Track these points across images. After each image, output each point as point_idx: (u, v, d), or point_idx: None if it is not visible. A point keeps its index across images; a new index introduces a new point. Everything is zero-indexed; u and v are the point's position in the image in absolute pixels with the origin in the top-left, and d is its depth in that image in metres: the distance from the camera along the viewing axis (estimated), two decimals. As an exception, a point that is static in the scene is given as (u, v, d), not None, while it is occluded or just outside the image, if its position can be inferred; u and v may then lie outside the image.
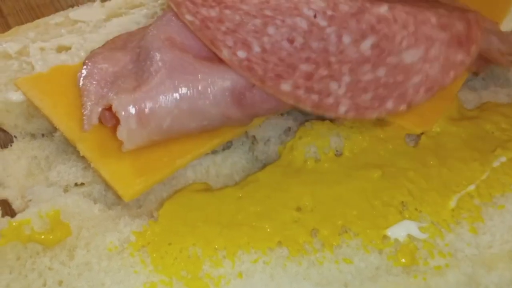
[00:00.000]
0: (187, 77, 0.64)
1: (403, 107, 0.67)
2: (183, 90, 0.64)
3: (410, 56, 0.66)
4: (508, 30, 0.85)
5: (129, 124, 0.62)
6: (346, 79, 0.65)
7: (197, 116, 0.65)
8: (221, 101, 0.65)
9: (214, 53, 0.65)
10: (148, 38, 0.68)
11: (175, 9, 0.67)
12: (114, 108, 0.62)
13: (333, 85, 0.65)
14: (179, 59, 0.65)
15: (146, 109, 0.63)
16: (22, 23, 0.92)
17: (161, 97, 0.63)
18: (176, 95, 0.64)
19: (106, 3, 0.94)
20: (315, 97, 0.65)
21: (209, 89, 0.64)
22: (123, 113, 0.62)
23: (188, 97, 0.64)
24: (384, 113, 0.67)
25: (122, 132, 0.62)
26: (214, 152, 0.73)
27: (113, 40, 0.77)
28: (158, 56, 0.66)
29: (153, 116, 0.63)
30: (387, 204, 0.65)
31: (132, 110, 0.62)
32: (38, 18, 0.93)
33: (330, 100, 0.65)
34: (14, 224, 0.60)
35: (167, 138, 0.66)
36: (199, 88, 0.64)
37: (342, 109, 0.66)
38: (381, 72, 0.66)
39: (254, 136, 0.74)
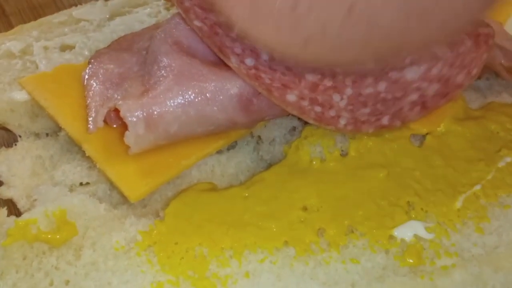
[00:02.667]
0: (195, 83, 0.64)
1: (397, 123, 0.68)
2: (191, 96, 0.64)
3: (412, 73, 0.66)
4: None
5: (137, 129, 0.62)
6: (349, 91, 0.65)
7: (205, 121, 0.66)
8: (229, 107, 0.65)
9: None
10: (156, 42, 0.68)
11: (184, 15, 0.67)
12: (122, 114, 0.62)
13: (336, 97, 0.65)
14: (187, 65, 0.65)
15: (154, 115, 0.63)
16: (25, 23, 0.92)
17: (168, 103, 0.63)
18: (184, 101, 0.64)
19: (110, 2, 0.94)
20: (318, 109, 0.65)
21: (217, 96, 0.64)
22: (131, 118, 0.62)
23: (196, 103, 0.64)
24: (379, 128, 0.68)
25: (129, 138, 0.62)
26: (219, 151, 0.73)
27: (118, 40, 0.77)
28: (165, 61, 0.66)
29: (160, 121, 0.63)
30: (393, 204, 0.65)
31: (140, 115, 0.62)
32: (41, 17, 0.93)
33: (332, 112, 0.65)
34: (20, 223, 0.60)
35: (174, 142, 0.66)
36: (207, 94, 0.64)
37: (342, 122, 0.66)
38: (382, 86, 0.65)
39: (259, 136, 0.74)
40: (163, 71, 0.66)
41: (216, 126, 0.67)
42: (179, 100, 0.64)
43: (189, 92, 0.64)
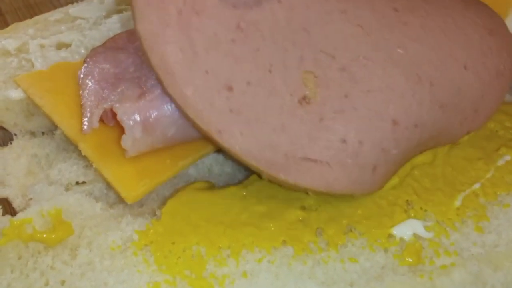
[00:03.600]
0: None
1: None
2: None
3: None
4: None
5: (134, 133, 0.62)
6: None
7: None
8: None
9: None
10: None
11: None
12: (119, 117, 0.62)
13: None
14: None
15: (151, 119, 0.62)
16: (21, 21, 0.91)
17: (166, 107, 0.63)
18: None
19: (106, 0, 0.93)
20: None
21: None
22: (128, 122, 0.61)
23: None
24: None
25: (126, 141, 0.62)
26: (216, 150, 0.72)
27: (113, 38, 0.76)
28: None
29: (158, 125, 0.63)
30: (392, 203, 0.64)
31: (137, 119, 0.62)
32: (37, 15, 0.92)
33: None
34: (15, 222, 0.60)
35: (171, 145, 0.66)
36: None
37: None
38: None
39: (257, 135, 0.73)
40: (160, 75, 0.65)
41: (213, 130, 0.66)
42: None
43: None
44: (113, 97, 0.67)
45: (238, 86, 0.59)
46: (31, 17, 0.92)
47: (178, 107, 0.61)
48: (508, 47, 0.72)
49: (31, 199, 0.65)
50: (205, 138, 0.61)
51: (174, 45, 0.59)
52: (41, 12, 0.98)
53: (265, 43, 0.61)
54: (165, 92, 0.61)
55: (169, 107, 0.63)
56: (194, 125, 0.60)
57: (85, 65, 0.70)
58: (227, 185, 0.68)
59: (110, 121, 0.67)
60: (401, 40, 0.64)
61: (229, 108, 0.58)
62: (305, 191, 0.62)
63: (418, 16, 0.67)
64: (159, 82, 0.61)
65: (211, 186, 0.68)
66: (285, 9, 0.63)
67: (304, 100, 0.60)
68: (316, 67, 0.61)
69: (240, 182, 0.68)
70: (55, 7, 1.07)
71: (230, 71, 0.59)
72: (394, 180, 0.66)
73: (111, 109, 0.65)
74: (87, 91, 0.68)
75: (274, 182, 0.62)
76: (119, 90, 0.67)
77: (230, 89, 0.59)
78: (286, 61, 0.61)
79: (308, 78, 0.61)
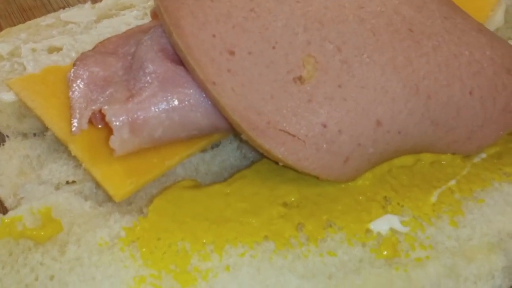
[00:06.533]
0: (179, 89, 0.66)
1: None
2: (175, 102, 0.66)
3: None
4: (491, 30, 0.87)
5: (122, 134, 0.64)
6: None
7: (188, 126, 0.67)
8: (212, 113, 0.67)
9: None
10: (142, 49, 0.70)
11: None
12: (107, 119, 0.64)
13: None
14: (172, 72, 0.67)
15: (138, 120, 0.65)
16: (14, 25, 0.93)
17: (153, 109, 0.65)
18: (168, 107, 0.66)
19: (97, 5, 0.95)
20: None
21: (200, 102, 0.66)
22: (116, 123, 0.64)
23: (179, 109, 0.66)
24: None
25: (114, 142, 0.64)
26: (203, 150, 0.75)
27: (102, 43, 0.78)
28: (151, 67, 0.68)
29: (145, 126, 0.65)
30: (371, 199, 0.66)
31: (125, 120, 0.64)
32: (30, 20, 0.94)
33: None
34: (6, 220, 0.62)
35: (158, 145, 0.68)
36: (191, 101, 0.66)
37: None
38: None
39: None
40: (148, 77, 0.68)
41: (199, 131, 0.69)
42: (164, 105, 0.66)
43: (173, 98, 0.66)
44: (102, 99, 0.69)
45: (240, 53, 0.63)
46: (24, 21, 0.94)
47: (181, 55, 0.65)
48: None
49: (22, 198, 0.67)
50: (200, 86, 0.65)
51: (188, 8, 0.65)
52: (34, 17, 1.00)
53: (276, 24, 0.66)
54: (172, 42, 0.66)
55: (156, 109, 0.66)
56: (192, 72, 0.64)
57: (75, 68, 0.72)
58: (212, 183, 0.71)
59: (99, 122, 0.70)
60: (408, 53, 0.66)
61: (227, 68, 0.63)
62: (276, 160, 0.64)
63: (433, 40, 0.68)
64: (168, 34, 0.66)
65: (197, 185, 0.70)
66: (303, 6, 0.67)
67: (299, 79, 0.64)
68: (319, 54, 0.65)
69: (225, 180, 0.70)
70: (48, 12, 1.09)
71: (235, 39, 0.64)
72: (374, 177, 0.68)
73: (100, 111, 0.67)
74: (76, 93, 0.70)
75: (250, 144, 0.65)
76: (107, 92, 0.70)
77: (232, 53, 0.63)
78: (293, 42, 0.65)
79: (309, 61, 0.64)
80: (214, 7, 0.66)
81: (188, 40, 0.63)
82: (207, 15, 0.65)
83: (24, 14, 1.13)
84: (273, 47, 0.65)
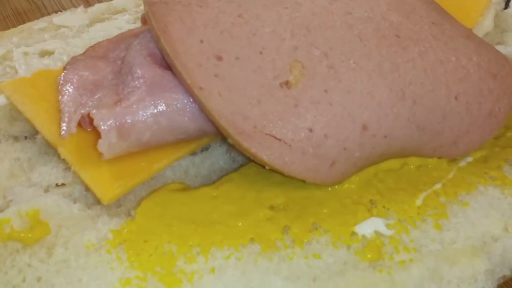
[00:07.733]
0: (166, 94, 0.67)
1: None
2: (163, 107, 0.66)
3: None
4: (480, 35, 0.88)
5: (110, 138, 0.65)
6: None
7: (176, 130, 0.68)
8: (199, 117, 0.67)
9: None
10: (131, 53, 0.71)
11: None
12: (95, 123, 0.64)
13: None
14: (160, 76, 0.68)
15: (126, 124, 0.65)
16: (9, 29, 0.94)
17: (141, 113, 0.66)
18: (156, 111, 0.66)
19: (89, 9, 0.96)
20: None
21: (187, 106, 0.67)
22: (104, 127, 0.64)
23: (167, 113, 0.67)
24: None
25: (102, 146, 0.65)
26: (193, 153, 0.75)
27: (93, 47, 0.79)
28: (139, 72, 0.68)
29: (133, 131, 0.66)
30: (357, 202, 0.67)
31: (113, 124, 0.65)
32: (25, 23, 0.95)
33: None
34: (-6, 223, 0.62)
35: (146, 149, 0.69)
36: (178, 105, 0.67)
37: None
38: None
39: (231, 138, 0.76)
40: (136, 82, 0.68)
41: (187, 135, 0.69)
42: (151, 110, 0.66)
43: (161, 103, 0.67)
44: (90, 103, 0.70)
45: (227, 58, 0.64)
46: (19, 24, 0.95)
47: (169, 60, 0.65)
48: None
49: (11, 200, 0.68)
50: (187, 90, 0.66)
51: (176, 14, 0.65)
52: (29, 20, 1.01)
53: (263, 30, 0.66)
54: (160, 48, 0.67)
55: (144, 114, 0.66)
56: (179, 77, 0.65)
57: (65, 72, 0.73)
58: (200, 186, 0.71)
59: (88, 126, 0.70)
60: (395, 58, 0.67)
61: (214, 73, 0.64)
62: (263, 164, 0.65)
63: (420, 46, 0.69)
64: (156, 39, 0.67)
65: (185, 187, 0.71)
66: (291, 12, 0.68)
67: (286, 84, 0.64)
68: (306, 59, 0.65)
69: (212, 183, 0.71)
70: (42, 15, 1.10)
71: (223, 44, 0.65)
72: (360, 181, 0.69)
73: (89, 115, 0.68)
74: (66, 97, 0.71)
75: (236, 148, 0.66)
76: (96, 96, 0.70)
77: (219, 58, 0.64)
78: (280, 47, 0.66)
79: (296, 66, 0.65)
80: (203, 12, 0.67)
81: (176, 46, 0.64)
82: (195, 21, 0.66)
83: (19, 18, 1.14)
84: (261, 53, 0.66)
